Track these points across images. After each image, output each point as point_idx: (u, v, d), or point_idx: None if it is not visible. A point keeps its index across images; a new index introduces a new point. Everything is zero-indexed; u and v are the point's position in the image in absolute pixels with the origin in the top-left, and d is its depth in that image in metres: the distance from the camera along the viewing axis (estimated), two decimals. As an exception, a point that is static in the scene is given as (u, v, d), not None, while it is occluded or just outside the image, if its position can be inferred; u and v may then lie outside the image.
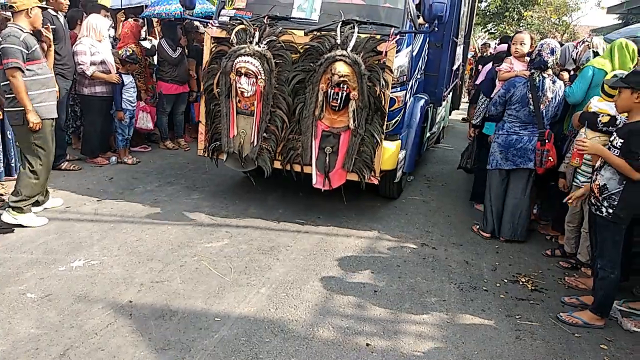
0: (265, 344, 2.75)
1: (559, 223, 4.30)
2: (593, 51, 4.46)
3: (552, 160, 4.08)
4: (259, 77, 4.17)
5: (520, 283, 3.69)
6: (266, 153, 4.36)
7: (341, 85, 3.95)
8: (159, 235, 4.04)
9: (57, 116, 4.20)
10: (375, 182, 4.20)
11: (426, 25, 3.98)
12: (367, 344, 2.82)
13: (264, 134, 4.32)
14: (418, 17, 4.36)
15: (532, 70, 4.15)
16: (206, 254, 3.76)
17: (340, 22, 4.08)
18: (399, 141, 4.46)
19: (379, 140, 4.08)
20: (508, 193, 4.38)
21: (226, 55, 4.26)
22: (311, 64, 4.11)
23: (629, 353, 2.94)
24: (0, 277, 3.26)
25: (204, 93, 4.50)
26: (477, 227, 4.60)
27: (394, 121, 4.29)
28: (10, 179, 4.91)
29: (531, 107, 4.11)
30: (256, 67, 4.15)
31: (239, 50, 4.18)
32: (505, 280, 3.72)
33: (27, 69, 3.85)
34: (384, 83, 3.93)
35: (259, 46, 4.19)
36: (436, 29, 3.92)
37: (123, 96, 5.76)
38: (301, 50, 4.17)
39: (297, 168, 4.35)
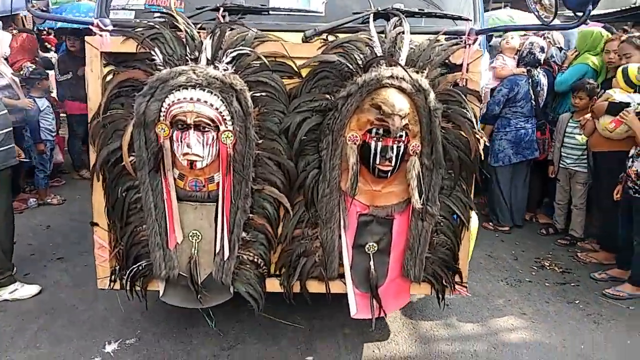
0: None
1: (532, 204, 4.89)
2: (557, 47, 4.77)
3: (551, 146, 4.49)
4: (223, 127, 2.09)
5: (548, 268, 3.90)
6: (251, 269, 2.29)
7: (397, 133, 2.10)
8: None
9: (16, 162, 3.46)
10: (465, 293, 2.44)
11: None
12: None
13: (243, 234, 2.25)
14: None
15: (529, 68, 4.35)
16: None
17: (372, 14, 2.21)
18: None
19: (467, 220, 2.32)
20: (514, 184, 4.58)
21: (143, 88, 2.08)
22: (327, 97, 2.16)
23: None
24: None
25: (99, 168, 2.21)
26: (492, 223, 4.67)
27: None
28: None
29: (533, 102, 4.37)
30: (216, 109, 2.06)
31: (175, 77, 2.04)
32: (535, 268, 3.89)
33: None
34: (472, 119, 2.19)
35: (216, 67, 2.10)
36: (588, 21, 2.29)
37: (41, 124, 4.94)
38: (303, 72, 2.19)
39: (317, 287, 2.36)
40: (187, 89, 2.05)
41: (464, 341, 2.88)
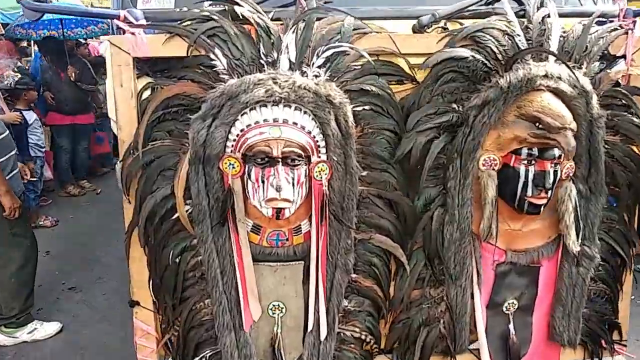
0: None
1: None
2: None
3: None
4: (316, 157, 1.48)
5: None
6: (356, 349, 1.66)
7: (554, 154, 1.53)
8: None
9: (23, 188, 3.15)
10: (626, 354, 1.89)
11: None
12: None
13: (345, 302, 1.63)
14: None
15: None
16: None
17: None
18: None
19: (630, 261, 1.78)
20: None
21: (201, 108, 1.44)
22: (454, 107, 1.58)
23: None
24: None
25: (138, 218, 1.55)
26: None
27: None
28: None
29: None
30: (308, 133, 1.45)
31: (249, 89, 1.41)
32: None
33: None
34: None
35: (304, 73, 1.48)
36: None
37: (30, 140, 4.47)
38: (417, 74, 1.59)
39: (440, 365, 1.78)
40: (266, 106, 1.43)
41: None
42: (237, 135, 1.45)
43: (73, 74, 5.06)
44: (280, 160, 1.43)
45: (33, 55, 7.10)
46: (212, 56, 1.46)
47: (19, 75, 4.36)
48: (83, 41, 6.07)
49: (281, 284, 1.63)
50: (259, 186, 1.45)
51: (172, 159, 1.50)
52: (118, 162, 1.58)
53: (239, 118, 1.44)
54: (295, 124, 1.44)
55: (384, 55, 1.56)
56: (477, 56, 1.53)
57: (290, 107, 1.44)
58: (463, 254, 1.63)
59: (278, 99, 1.42)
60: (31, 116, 4.50)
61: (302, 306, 1.62)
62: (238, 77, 1.45)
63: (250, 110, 1.43)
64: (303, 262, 1.60)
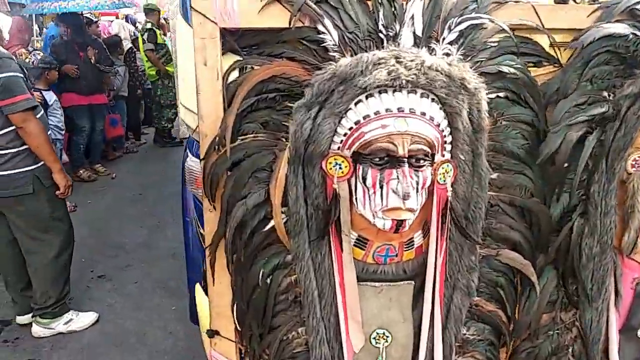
0: None
1: None
2: None
3: None
4: (439, 155, 1.19)
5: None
6: (472, 383, 1.42)
7: None
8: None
9: None
10: None
11: None
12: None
13: (463, 330, 1.37)
14: None
15: None
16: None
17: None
18: None
19: None
20: None
21: (305, 94, 1.15)
22: (605, 96, 1.29)
23: None
24: None
25: (225, 229, 1.26)
26: None
27: None
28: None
29: None
30: (437, 125, 1.16)
31: (366, 70, 1.11)
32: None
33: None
34: None
35: (432, 50, 1.18)
36: None
37: (50, 122, 4.15)
38: (562, 55, 1.30)
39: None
40: (386, 92, 1.14)
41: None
42: (350, 129, 1.16)
43: (94, 56, 4.77)
44: (405, 160, 1.14)
45: (37, 35, 6.75)
46: (320, 28, 1.16)
47: (42, 54, 4.05)
48: (94, 19, 5.73)
49: (386, 307, 1.35)
50: (374, 192, 1.16)
51: (266, 157, 1.21)
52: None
53: (353, 107, 1.15)
54: (423, 114, 1.15)
55: (520, 30, 1.27)
56: (639, 34, 1.25)
57: (415, 93, 1.15)
58: (603, 271, 1.37)
59: (403, 83, 1.13)
60: (51, 97, 4.25)
61: (411, 334, 1.35)
62: (352, 55, 1.16)
63: (367, 97, 1.14)
64: (413, 282, 1.33)
